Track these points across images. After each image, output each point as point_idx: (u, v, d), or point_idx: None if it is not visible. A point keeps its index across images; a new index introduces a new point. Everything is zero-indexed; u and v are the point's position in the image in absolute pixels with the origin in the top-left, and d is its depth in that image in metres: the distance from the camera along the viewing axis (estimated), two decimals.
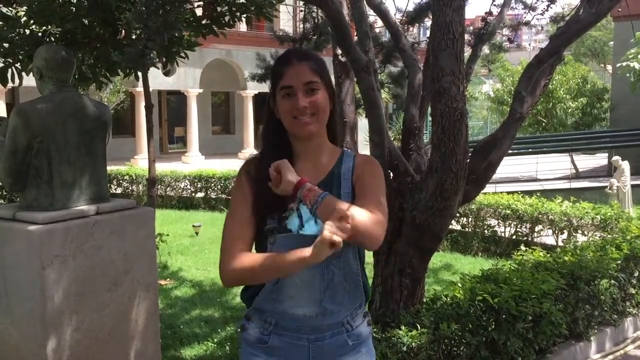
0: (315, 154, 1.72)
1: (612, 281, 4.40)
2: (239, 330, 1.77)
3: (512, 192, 8.95)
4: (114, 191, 11.80)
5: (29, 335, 2.77)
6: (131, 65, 3.30)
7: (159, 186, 11.68)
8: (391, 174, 3.54)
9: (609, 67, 24.85)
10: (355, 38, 3.82)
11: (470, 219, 8.36)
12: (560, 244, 7.33)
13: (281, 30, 7.06)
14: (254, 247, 1.71)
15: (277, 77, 1.67)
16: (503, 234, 8.18)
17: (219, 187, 11.71)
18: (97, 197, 3.04)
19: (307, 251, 1.48)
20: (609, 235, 6.12)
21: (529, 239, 7.90)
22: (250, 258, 1.60)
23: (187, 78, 18.76)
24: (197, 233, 8.98)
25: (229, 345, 4.46)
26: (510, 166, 12.26)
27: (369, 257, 2.58)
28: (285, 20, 14.28)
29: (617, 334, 4.55)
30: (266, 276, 1.61)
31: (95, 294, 2.91)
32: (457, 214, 7.68)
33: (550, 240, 7.80)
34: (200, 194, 11.88)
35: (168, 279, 6.55)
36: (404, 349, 2.96)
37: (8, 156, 2.84)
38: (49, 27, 3.92)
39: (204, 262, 7.39)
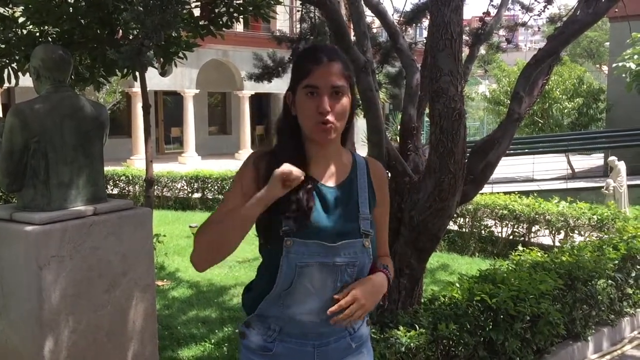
0: (330, 158, 1.65)
1: (610, 281, 4.41)
2: (239, 337, 1.74)
3: (509, 193, 8.96)
4: (111, 192, 11.77)
5: (26, 337, 2.76)
6: (128, 63, 3.29)
7: (156, 187, 11.66)
8: (389, 174, 3.54)
9: (605, 68, 24.95)
10: (353, 38, 3.82)
11: (467, 219, 8.37)
12: (557, 244, 7.33)
13: (278, 30, 7.05)
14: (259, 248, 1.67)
15: (303, 73, 1.58)
16: (500, 234, 8.19)
17: (215, 187, 11.69)
18: (94, 197, 3.03)
19: (259, 194, 1.51)
20: (605, 236, 6.13)
21: (526, 239, 7.91)
22: (210, 223, 1.57)
23: (183, 78, 18.73)
24: (194, 234, 8.95)
25: (226, 346, 4.45)
26: (506, 167, 12.26)
27: None
28: (282, 21, 14.28)
29: (614, 334, 4.56)
30: (230, 231, 1.53)
31: (92, 295, 2.90)
32: (454, 214, 7.69)
33: (547, 240, 7.81)
34: (197, 195, 11.86)
35: (165, 280, 6.53)
36: (403, 349, 2.95)
37: (5, 156, 2.83)
38: (46, 27, 3.90)
39: None
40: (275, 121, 1.70)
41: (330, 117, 1.55)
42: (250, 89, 19.29)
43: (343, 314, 1.55)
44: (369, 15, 4.70)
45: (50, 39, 3.91)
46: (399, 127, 4.17)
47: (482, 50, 5.63)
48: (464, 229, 8.39)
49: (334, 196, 1.63)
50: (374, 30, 6.50)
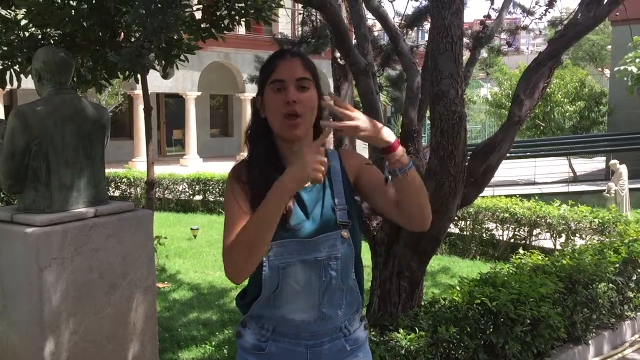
0: None
1: (610, 285, 4.40)
2: (236, 337, 1.75)
3: (510, 196, 8.95)
4: (112, 194, 11.79)
5: (27, 338, 2.76)
6: (128, 65, 3.30)
7: (157, 189, 11.67)
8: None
9: (607, 71, 24.93)
10: (354, 41, 3.83)
11: (468, 222, 8.36)
12: (558, 247, 7.32)
13: (280, 33, 7.06)
14: None
15: (268, 70, 1.62)
16: (501, 238, 8.17)
17: (217, 190, 11.70)
18: (95, 199, 3.03)
19: (281, 179, 1.44)
20: (606, 239, 6.12)
21: (527, 242, 7.89)
22: (239, 229, 1.51)
23: (185, 81, 18.76)
24: (195, 236, 8.97)
25: (226, 348, 4.45)
26: (508, 169, 12.27)
27: (366, 260, 2.58)
28: (284, 24, 14.29)
29: (615, 338, 4.55)
30: (261, 230, 1.46)
31: (93, 296, 2.90)
32: (455, 217, 7.69)
33: (548, 243, 7.80)
34: (198, 197, 11.87)
35: (166, 282, 6.53)
36: (402, 352, 2.95)
37: (6, 158, 2.84)
38: (48, 29, 3.92)
39: (202, 265, 7.37)
40: (246, 129, 1.71)
41: (297, 108, 1.57)
42: (251, 91, 19.29)
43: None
44: (370, 19, 4.71)
45: (52, 41, 3.92)
46: (399, 130, 4.17)
47: (484, 53, 5.64)
48: (464, 232, 8.38)
49: (309, 194, 1.64)
50: (375, 33, 6.49)
